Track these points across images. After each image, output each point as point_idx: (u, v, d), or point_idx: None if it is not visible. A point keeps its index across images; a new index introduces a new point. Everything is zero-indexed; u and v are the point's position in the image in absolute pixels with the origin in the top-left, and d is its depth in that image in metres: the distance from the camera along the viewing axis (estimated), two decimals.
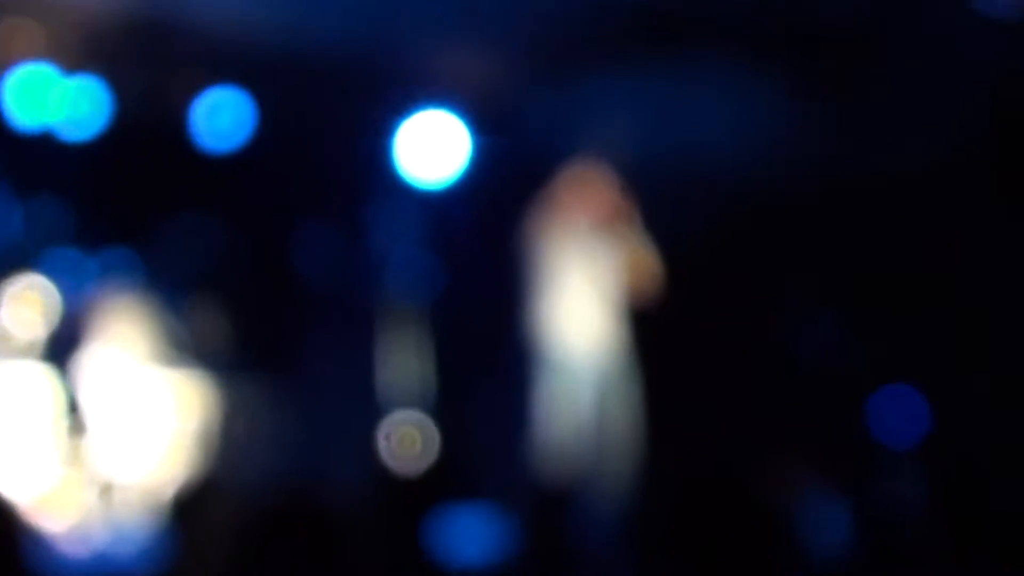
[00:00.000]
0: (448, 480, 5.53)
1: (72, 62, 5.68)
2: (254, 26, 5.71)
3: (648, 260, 4.57)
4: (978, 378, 6.04)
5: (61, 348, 5.25)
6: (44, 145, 5.76)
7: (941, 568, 2.49)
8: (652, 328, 4.94)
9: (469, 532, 5.14)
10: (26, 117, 5.65)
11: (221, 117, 6.02)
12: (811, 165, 6.56)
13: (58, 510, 4.79)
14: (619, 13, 5.61)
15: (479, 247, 6.25)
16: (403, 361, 5.59)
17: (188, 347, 5.63)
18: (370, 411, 5.69)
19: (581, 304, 4.50)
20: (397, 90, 6.26)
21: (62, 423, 5.07)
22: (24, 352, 5.18)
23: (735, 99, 6.04)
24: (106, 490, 5.02)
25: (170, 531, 4.52)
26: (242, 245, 6.03)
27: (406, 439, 5.55)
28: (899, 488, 5.28)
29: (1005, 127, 5.91)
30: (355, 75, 6.14)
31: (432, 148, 6.15)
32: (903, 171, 6.48)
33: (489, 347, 6.39)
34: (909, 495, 5.13)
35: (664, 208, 6.19)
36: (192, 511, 4.42)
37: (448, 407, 6.08)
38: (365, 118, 6.35)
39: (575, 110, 6.25)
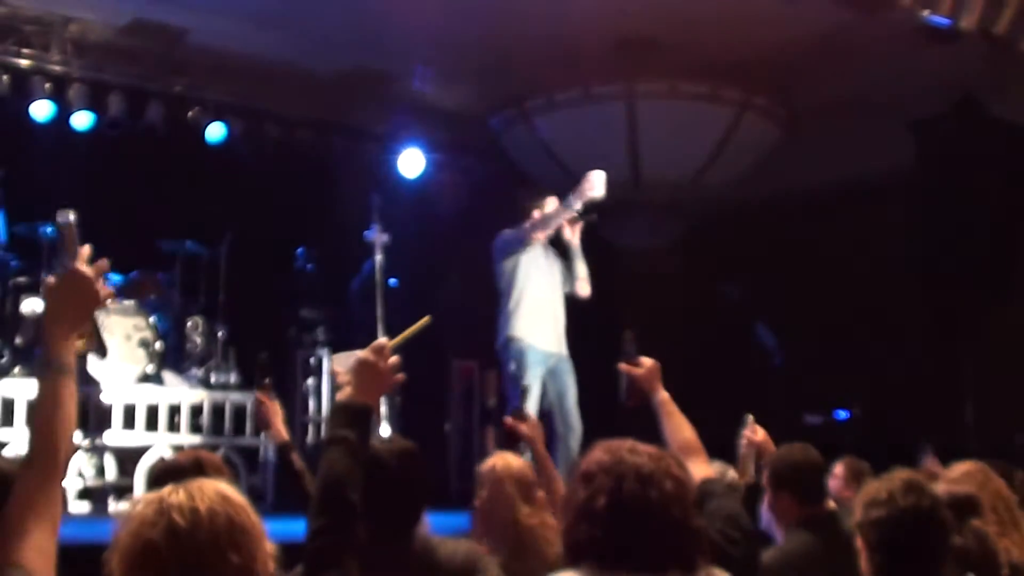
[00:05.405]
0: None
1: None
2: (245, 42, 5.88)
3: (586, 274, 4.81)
4: None
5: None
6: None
7: None
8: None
9: None
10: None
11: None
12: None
13: None
14: (581, 43, 5.82)
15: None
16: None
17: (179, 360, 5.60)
18: None
19: (541, 305, 4.71)
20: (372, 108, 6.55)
21: None
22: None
23: (694, 123, 6.38)
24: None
25: None
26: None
27: None
28: None
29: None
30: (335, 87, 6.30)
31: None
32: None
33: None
34: None
35: (623, 223, 6.43)
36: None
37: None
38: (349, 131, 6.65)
39: (540, 135, 6.61)
